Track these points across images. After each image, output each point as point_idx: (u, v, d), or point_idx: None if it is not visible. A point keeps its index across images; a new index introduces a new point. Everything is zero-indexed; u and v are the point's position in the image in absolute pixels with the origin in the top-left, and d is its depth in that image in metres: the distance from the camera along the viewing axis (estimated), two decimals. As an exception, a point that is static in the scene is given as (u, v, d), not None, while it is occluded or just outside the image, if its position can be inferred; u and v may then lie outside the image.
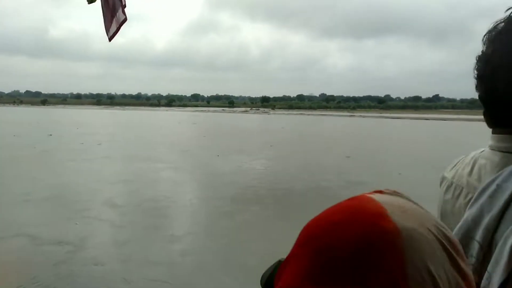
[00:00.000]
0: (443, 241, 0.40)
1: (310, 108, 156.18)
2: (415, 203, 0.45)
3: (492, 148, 0.83)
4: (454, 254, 0.41)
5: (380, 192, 0.46)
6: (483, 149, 0.89)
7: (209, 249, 9.92)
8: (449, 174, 0.94)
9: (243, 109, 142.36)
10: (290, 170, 17.28)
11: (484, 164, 0.83)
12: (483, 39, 0.79)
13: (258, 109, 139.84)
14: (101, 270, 9.56)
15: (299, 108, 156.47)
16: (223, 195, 12.30)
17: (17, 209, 12.16)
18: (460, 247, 0.43)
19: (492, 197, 0.72)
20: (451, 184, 0.91)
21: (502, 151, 0.80)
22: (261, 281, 1.02)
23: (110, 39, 3.12)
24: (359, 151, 23.17)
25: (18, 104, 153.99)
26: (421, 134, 38.73)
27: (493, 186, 0.73)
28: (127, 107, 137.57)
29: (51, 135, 30.12)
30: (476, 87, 0.83)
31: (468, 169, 0.87)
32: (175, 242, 9.05)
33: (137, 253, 10.29)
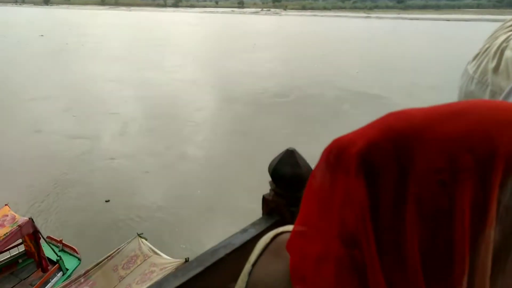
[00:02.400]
0: None
1: (324, 8, 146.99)
2: None
3: None
4: None
5: None
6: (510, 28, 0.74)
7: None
8: (471, 68, 0.78)
9: (254, 10, 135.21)
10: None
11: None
12: None
13: (269, 10, 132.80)
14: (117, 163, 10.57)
15: (312, 8, 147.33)
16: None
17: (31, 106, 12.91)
18: None
19: None
20: (472, 79, 0.77)
21: None
22: (268, 169, 1.24)
23: None
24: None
25: (20, 4, 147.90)
26: (436, 39, 37.02)
27: None
28: (132, 8, 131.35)
29: (42, 35, 30.40)
30: None
31: (493, 63, 0.73)
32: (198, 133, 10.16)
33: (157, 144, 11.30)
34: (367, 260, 0.34)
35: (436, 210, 0.32)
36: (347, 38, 34.02)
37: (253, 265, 0.51)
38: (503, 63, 0.70)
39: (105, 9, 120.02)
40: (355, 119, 11.69)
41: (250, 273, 0.50)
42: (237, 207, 7.55)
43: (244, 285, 0.50)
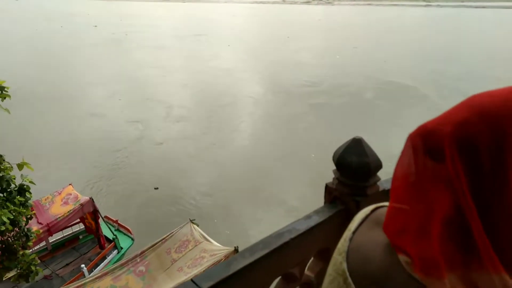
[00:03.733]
0: None
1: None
2: None
3: None
4: None
5: None
6: None
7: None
8: None
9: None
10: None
11: None
12: None
13: (321, 0, 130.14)
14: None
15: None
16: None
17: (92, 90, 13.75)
18: None
19: None
20: None
21: None
22: (333, 157, 1.22)
23: None
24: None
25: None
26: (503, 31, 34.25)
27: None
28: (186, 1, 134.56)
29: (96, 26, 32.46)
30: None
31: None
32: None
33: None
34: (471, 222, 0.38)
35: None
36: (394, 28, 32.55)
37: (354, 232, 0.55)
38: None
39: (161, 2, 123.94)
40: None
41: (351, 239, 0.54)
42: (279, 199, 7.57)
43: (345, 248, 0.54)
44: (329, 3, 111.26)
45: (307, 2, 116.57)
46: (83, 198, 6.51)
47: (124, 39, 23.10)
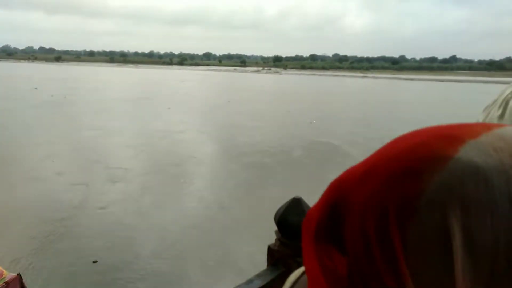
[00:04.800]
0: None
1: (323, 68, 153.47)
2: None
3: None
4: None
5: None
6: None
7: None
8: (481, 117, 0.86)
9: (255, 68, 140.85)
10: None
11: None
12: None
13: (270, 69, 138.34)
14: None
15: (311, 68, 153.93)
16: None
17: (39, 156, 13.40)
18: None
19: None
20: None
21: None
22: (274, 217, 1.26)
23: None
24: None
25: (32, 60, 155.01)
26: (429, 95, 38.30)
27: None
28: (140, 65, 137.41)
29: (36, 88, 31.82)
30: None
31: (499, 112, 0.80)
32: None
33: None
34: None
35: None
36: (328, 94, 35.45)
37: None
38: (507, 111, 0.78)
39: (114, 66, 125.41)
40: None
41: None
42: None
43: None
44: (277, 72, 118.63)
45: (257, 71, 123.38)
46: (9, 275, 6.06)
47: (63, 101, 23.16)
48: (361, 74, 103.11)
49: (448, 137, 0.34)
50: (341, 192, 0.38)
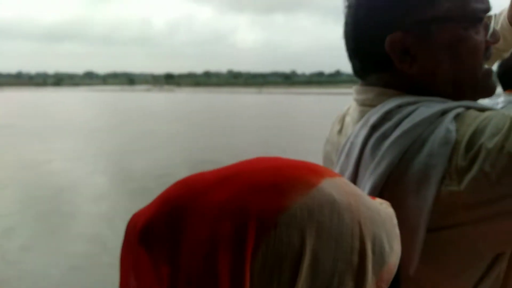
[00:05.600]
0: None
1: (217, 85, 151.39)
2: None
3: (355, 101, 0.83)
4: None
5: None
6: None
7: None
8: (328, 132, 0.94)
9: (145, 87, 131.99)
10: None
11: (348, 121, 0.83)
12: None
13: (162, 87, 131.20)
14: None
15: (206, 85, 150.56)
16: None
17: None
18: None
19: (348, 155, 0.72)
20: (327, 141, 0.91)
21: (360, 105, 0.79)
22: None
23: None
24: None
25: None
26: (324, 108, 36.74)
27: (348, 144, 0.73)
28: (5, 88, 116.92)
29: None
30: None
31: (338, 127, 0.87)
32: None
33: None
34: None
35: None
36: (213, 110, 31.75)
37: None
38: (344, 126, 0.85)
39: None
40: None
41: None
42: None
43: None
44: (170, 90, 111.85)
45: (148, 90, 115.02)
46: None
47: None
48: (257, 90, 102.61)
49: (312, 169, 0.38)
50: (188, 193, 0.36)
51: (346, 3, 0.80)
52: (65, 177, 11.80)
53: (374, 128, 0.68)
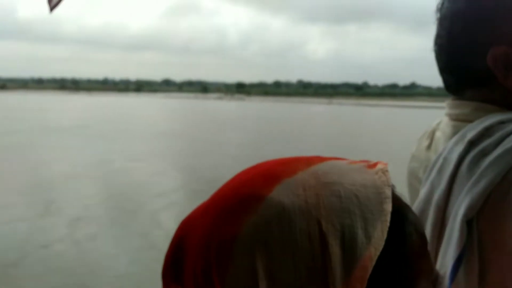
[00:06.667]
0: None
1: (287, 94, 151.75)
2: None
3: (447, 115, 0.81)
4: None
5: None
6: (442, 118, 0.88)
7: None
8: (413, 147, 0.92)
9: (217, 95, 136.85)
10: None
11: (439, 136, 0.82)
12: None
13: (233, 95, 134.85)
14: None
15: (275, 94, 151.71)
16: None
17: None
18: None
19: (440, 171, 0.70)
20: (413, 156, 0.89)
21: (453, 120, 0.78)
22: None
23: (51, 9, 1.74)
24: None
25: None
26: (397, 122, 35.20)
27: (441, 160, 0.71)
28: (93, 93, 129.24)
29: None
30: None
31: (427, 142, 0.85)
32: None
33: None
34: None
35: None
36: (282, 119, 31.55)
37: None
38: (434, 141, 0.83)
39: (63, 94, 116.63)
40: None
41: None
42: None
43: None
44: (240, 99, 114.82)
45: (220, 98, 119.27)
46: None
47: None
48: (326, 101, 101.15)
49: (268, 176, 0.35)
50: (186, 228, 0.37)
51: (438, 15, 0.77)
52: (130, 175, 12.49)
53: (472, 144, 0.66)
